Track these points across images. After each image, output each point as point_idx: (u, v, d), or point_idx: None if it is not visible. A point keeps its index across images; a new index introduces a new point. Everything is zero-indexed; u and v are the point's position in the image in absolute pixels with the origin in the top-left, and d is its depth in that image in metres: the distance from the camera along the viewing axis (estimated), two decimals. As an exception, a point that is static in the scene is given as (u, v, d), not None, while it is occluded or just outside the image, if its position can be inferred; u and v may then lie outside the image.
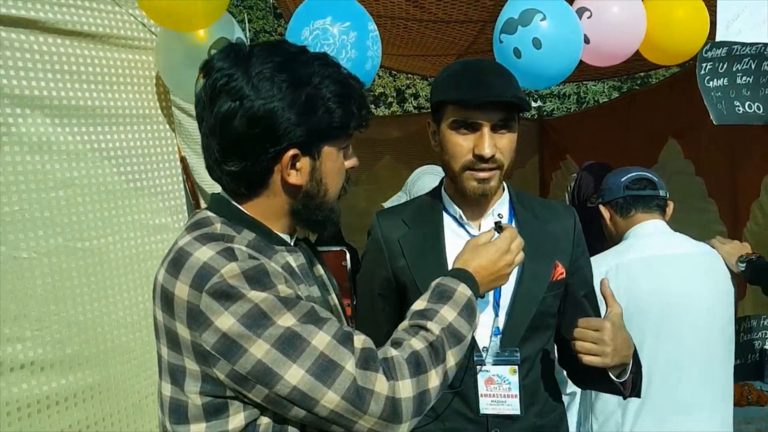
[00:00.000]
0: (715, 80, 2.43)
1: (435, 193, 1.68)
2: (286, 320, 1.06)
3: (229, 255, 1.07)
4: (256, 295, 1.05)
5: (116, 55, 2.05)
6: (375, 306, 1.67)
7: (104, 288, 2.00)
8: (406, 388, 1.11)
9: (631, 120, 5.34)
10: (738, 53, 2.41)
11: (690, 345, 1.98)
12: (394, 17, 4.18)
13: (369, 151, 6.28)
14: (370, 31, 2.15)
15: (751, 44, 2.42)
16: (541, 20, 2.18)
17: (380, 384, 1.09)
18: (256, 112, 1.10)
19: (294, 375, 1.04)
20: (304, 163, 1.16)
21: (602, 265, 2.01)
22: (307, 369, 1.05)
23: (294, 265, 1.21)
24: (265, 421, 1.12)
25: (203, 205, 3.56)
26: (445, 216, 1.62)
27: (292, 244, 1.26)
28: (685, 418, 1.99)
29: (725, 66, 2.43)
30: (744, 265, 2.14)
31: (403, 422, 1.10)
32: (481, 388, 1.54)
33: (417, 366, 1.14)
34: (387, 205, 2.86)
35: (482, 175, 1.48)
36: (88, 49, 1.98)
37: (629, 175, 2.14)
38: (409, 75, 14.67)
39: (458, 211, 1.59)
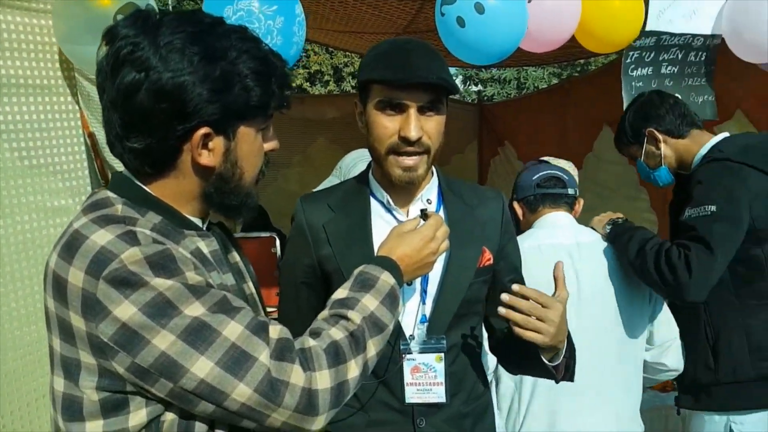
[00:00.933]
0: (640, 69, 2.48)
1: (362, 177, 1.67)
2: (194, 309, 1.01)
3: (131, 239, 1.01)
4: (161, 283, 1.00)
5: (9, 18, 1.91)
6: (299, 295, 1.65)
7: (-6, 276, 1.88)
8: (323, 379, 1.09)
9: (568, 107, 5.48)
10: (666, 43, 2.47)
11: (579, 330, 1.97)
12: (325, -5, 4.12)
13: (302, 131, 6.21)
14: (297, 16, 2.12)
15: (681, 34, 2.48)
16: None
17: (296, 375, 1.06)
18: (163, 86, 1.04)
19: (202, 368, 1.00)
20: (218, 143, 1.11)
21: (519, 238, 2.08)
22: (216, 361, 1.01)
23: (206, 251, 1.16)
24: (169, 417, 1.07)
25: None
26: (373, 201, 1.61)
27: (204, 228, 1.22)
28: (577, 399, 2.07)
29: (652, 55, 2.49)
30: (609, 227, 2.26)
31: (319, 414, 1.09)
32: (407, 377, 1.54)
33: (336, 356, 1.12)
34: (320, 188, 2.81)
35: (408, 162, 1.47)
36: (-22, 12, 1.85)
37: (540, 174, 2.24)
38: (347, 53, 14.57)
39: (386, 197, 1.58)
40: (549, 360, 1.48)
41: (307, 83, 16.91)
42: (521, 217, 2.29)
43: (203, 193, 1.16)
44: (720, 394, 2.25)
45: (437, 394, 1.54)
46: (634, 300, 2.21)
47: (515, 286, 1.40)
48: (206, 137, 1.09)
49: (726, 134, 2.34)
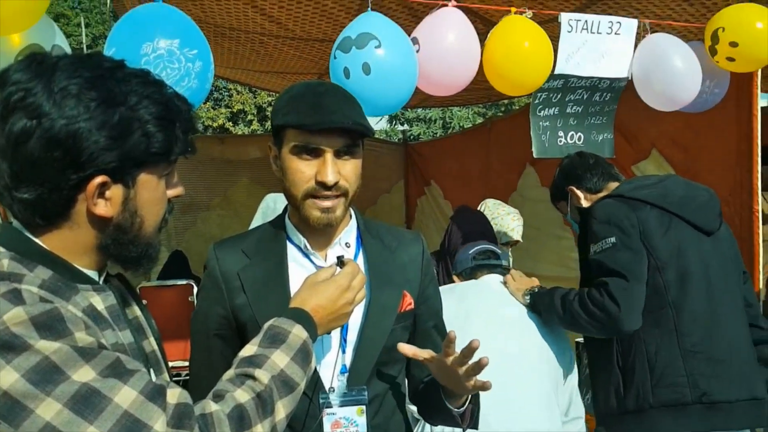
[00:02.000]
0: (546, 110, 2.67)
1: (278, 221, 1.64)
2: (84, 374, 0.96)
3: (16, 298, 0.96)
4: (47, 346, 0.94)
5: None
6: (211, 348, 1.59)
7: None
8: None
9: (492, 147, 5.65)
10: (573, 85, 2.67)
11: (499, 351, 2.20)
12: (248, 31, 4.20)
13: (223, 173, 6.19)
14: (211, 63, 2.19)
15: (588, 77, 2.69)
16: (376, 47, 2.31)
17: None
18: (56, 133, 1.00)
19: None
20: (116, 192, 1.08)
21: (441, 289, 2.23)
22: (107, 430, 0.95)
23: (101, 306, 1.11)
24: None
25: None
26: (289, 246, 1.58)
27: (100, 281, 1.16)
28: None
29: (559, 96, 2.69)
30: (528, 297, 2.42)
31: None
32: None
33: (240, 421, 1.08)
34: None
35: (326, 204, 1.46)
36: None
37: (477, 248, 2.49)
38: (270, 92, 14.66)
39: (303, 241, 1.55)
40: (456, 407, 1.53)
41: (230, 123, 16.88)
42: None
43: (99, 244, 1.11)
44: (627, 422, 2.33)
45: None
46: (556, 351, 2.36)
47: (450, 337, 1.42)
48: (103, 186, 1.05)
49: (627, 180, 2.59)
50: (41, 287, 1.01)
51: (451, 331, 1.43)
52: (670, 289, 2.31)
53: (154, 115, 1.08)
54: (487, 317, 2.33)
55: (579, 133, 2.72)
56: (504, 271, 2.48)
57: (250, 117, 16.94)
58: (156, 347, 1.28)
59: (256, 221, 2.99)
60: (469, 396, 1.54)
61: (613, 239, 2.28)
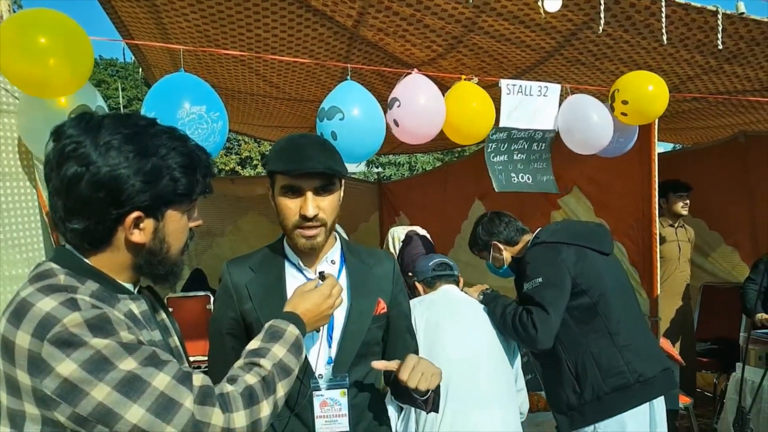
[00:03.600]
0: (498, 156, 2.68)
1: (278, 244, 1.67)
2: (128, 364, 1.00)
3: (72, 305, 0.99)
4: (99, 342, 0.98)
5: (-24, 117, 1.87)
6: (224, 345, 1.61)
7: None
8: (240, 419, 1.09)
9: (448, 185, 5.71)
10: (515, 136, 2.69)
11: (465, 349, 2.30)
12: (253, 94, 4.19)
13: (234, 206, 6.22)
14: (227, 122, 2.23)
15: (525, 130, 2.70)
16: (340, 119, 2.37)
17: (216, 417, 1.05)
18: (101, 177, 1.03)
19: (134, 414, 0.99)
20: (148, 223, 1.11)
21: (412, 302, 2.25)
22: (147, 408, 0.99)
23: (136, 312, 1.15)
24: None
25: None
26: (286, 263, 1.62)
27: (135, 292, 1.20)
28: (479, 411, 2.20)
29: (506, 146, 2.70)
30: (481, 296, 2.53)
31: None
32: (317, 410, 1.54)
33: (250, 398, 1.12)
34: None
35: (309, 233, 1.50)
36: (-50, 110, 1.79)
37: (434, 261, 2.52)
38: (271, 142, 14.60)
39: (297, 260, 1.59)
40: (420, 396, 1.52)
41: (239, 166, 16.82)
42: (422, 293, 2.53)
43: (134, 264, 1.14)
44: (588, 410, 2.36)
45: (342, 424, 1.53)
46: (503, 343, 2.41)
47: (401, 373, 1.46)
48: (138, 219, 1.09)
49: (540, 228, 2.65)
50: (91, 296, 1.03)
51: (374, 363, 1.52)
52: (598, 303, 2.40)
53: (180, 164, 1.11)
54: (454, 322, 2.34)
55: (527, 175, 2.75)
56: (456, 279, 2.51)
57: (255, 162, 16.93)
58: (179, 344, 1.31)
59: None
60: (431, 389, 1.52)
61: (540, 279, 2.39)
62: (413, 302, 2.33)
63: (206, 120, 2.08)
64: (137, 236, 1.10)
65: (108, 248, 1.11)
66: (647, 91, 2.74)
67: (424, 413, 2.18)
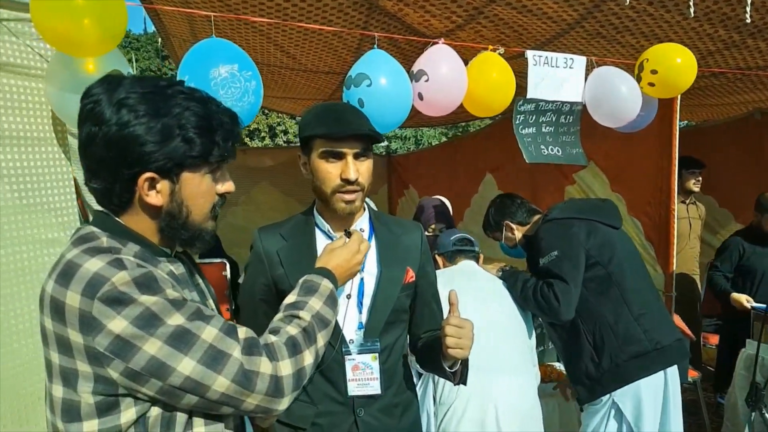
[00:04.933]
0: (527, 128, 2.66)
1: (308, 212, 1.68)
2: (176, 319, 1.01)
3: (119, 265, 1.00)
4: (147, 299, 0.99)
5: (12, 81, 1.87)
6: (257, 310, 1.63)
7: (-5, 298, 1.79)
8: (286, 367, 1.10)
9: (458, 159, 5.67)
10: (543, 108, 2.66)
11: (483, 322, 2.27)
12: (269, 65, 4.14)
13: (247, 177, 6.25)
14: (261, 82, 2.18)
15: (552, 101, 2.68)
16: (368, 86, 2.33)
17: (264, 365, 1.07)
18: (112, 137, 1.02)
19: (186, 366, 1.00)
20: (164, 185, 1.09)
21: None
22: (198, 359, 1.01)
23: (176, 273, 1.15)
24: (155, 412, 1.05)
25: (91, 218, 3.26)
26: (317, 230, 1.63)
27: (172, 255, 1.19)
28: (499, 376, 2.24)
29: (534, 118, 2.68)
30: (500, 273, 2.57)
31: (285, 396, 1.10)
32: (349, 374, 1.56)
33: (294, 347, 1.14)
34: None
35: (348, 197, 1.50)
36: (-16, 75, 1.79)
37: (456, 236, 2.55)
38: (279, 113, 14.50)
39: (327, 226, 1.61)
40: (449, 367, 1.54)
41: (247, 138, 16.75)
42: (441, 266, 2.56)
43: (158, 227, 1.13)
44: (606, 379, 2.40)
45: (374, 387, 1.56)
46: (522, 314, 2.45)
47: (451, 319, 1.45)
48: (152, 180, 1.07)
49: (549, 207, 2.68)
50: (135, 257, 1.04)
51: (452, 291, 1.49)
52: (612, 273, 2.43)
53: (194, 125, 1.08)
54: (475, 293, 2.36)
55: (557, 147, 2.74)
56: (477, 254, 2.53)
57: (263, 134, 16.82)
58: (213, 307, 1.31)
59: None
60: (461, 360, 1.54)
61: (556, 252, 2.42)
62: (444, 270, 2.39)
63: (239, 79, 2.05)
64: (153, 198, 1.08)
65: (132, 210, 1.10)
66: (676, 63, 2.70)
67: (442, 380, 2.23)
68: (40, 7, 1.68)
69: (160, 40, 3.85)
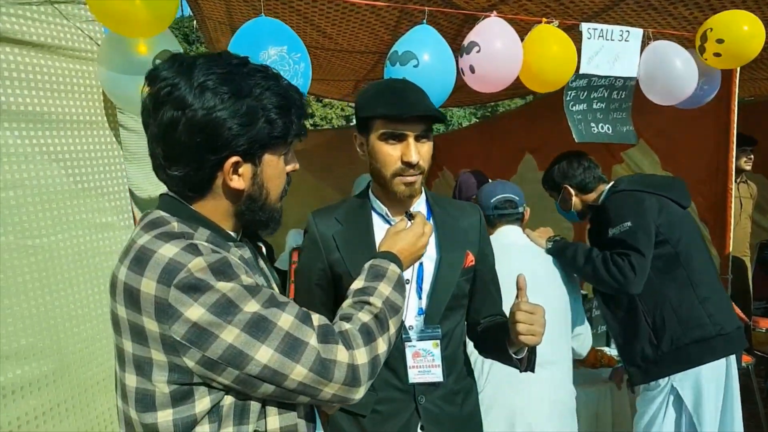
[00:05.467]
0: (577, 105, 2.57)
1: (363, 195, 1.64)
2: (252, 306, 0.98)
3: (194, 250, 0.97)
4: (223, 286, 0.96)
5: (64, 64, 1.84)
6: (312, 295, 1.60)
7: (55, 283, 1.78)
8: (361, 355, 1.07)
9: (494, 139, 5.57)
10: (595, 84, 2.56)
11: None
12: (306, 46, 4.09)
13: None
14: (309, 64, 2.12)
15: (605, 77, 2.57)
16: (414, 66, 2.24)
17: (341, 354, 1.04)
18: (198, 121, 0.99)
19: (264, 354, 0.97)
20: (246, 169, 1.07)
21: None
22: (275, 348, 0.98)
23: (245, 257, 1.13)
24: (228, 401, 1.03)
25: (134, 207, 3.27)
26: (374, 214, 1.59)
27: (238, 240, 1.16)
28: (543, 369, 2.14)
29: (585, 94, 2.58)
30: (551, 243, 2.41)
31: (361, 385, 1.07)
32: (409, 361, 1.52)
33: (368, 335, 1.10)
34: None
35: (409, 179, 1.46)
36: (38, 58, 1.76)
37: (497, 197, 2.35)
38: (314, 96, 14.43)
39: (384, 210, 1.56)
40: (514, 353, 1.49)
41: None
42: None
43: (236, 211, 1.11)
44: (665, 362, 2.32)
45: (435, 375, 1.53)
46: (567, 288, 2.32)
47: (521, 305, 1.39)
48: (236, 164, 1.05)
49: (617, 178, 2.57)
50: (207, 242, 1.02)
51: (521, 275, 1.44)
52: (680, 253, 2.33)
53: (275, 105, 1.06)
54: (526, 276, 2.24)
55: (607, 125, 2.64)
56: (521, 215, 2.36)
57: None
58: (276, 292, 1.26)
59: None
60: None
61: (629, 223, 2.29)
62: None
63: (288, 61, 2.01)
64: (236, 182, 1.06)
65: (209, 195, 1.08)
66: (743, 30, 2.54)
67: (479, 363, 2.16)
68: None
69: (194, 23, 3.81)
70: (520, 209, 2.36)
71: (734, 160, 3.08)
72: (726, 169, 3.07)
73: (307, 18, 3.48)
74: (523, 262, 2.24)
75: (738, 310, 3.22)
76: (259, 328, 0.98)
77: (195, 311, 0.94)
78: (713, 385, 2.29)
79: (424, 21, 2.38)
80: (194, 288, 0.94)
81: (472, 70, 2.33)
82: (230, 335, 0.96)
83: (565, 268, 2.35)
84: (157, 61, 1.84)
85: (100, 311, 1.90)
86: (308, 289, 1.60)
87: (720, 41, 2.59)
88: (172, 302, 0.94)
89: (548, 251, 2.39)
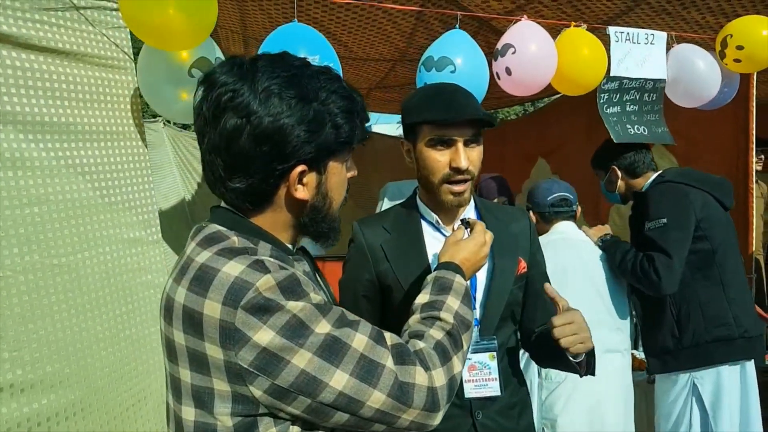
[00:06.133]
0: (611, 107, 2.49)
1: (410, 202, 1.55)
2: (323, 327, 0.87)
3: (261, 267, 0.87)
4: (294, 305, 0.86)
5: (90, 73, 1.73)
6: (359, 307, 1.50)
7: (81, 303, 1.65)
8: (439, 377, 0.96)
9: (507, 144, 5.50)
10: (626, 86, 2.48)
11: (591, 295, 2.28)
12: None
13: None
14: (341, 73, 2.01)
15: (636, 79, 2.49)
16: (451, 72, 2.15)
17: (420, 376, 0.93)
18: (264, 129, 0.89)
19: (339, 380, 0.86)
20: (311, 178, 0.97)
21: None
22: (351, 372, 0.87)
23: (306, 272, 1.03)
24: (294, 430, 0.91)
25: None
26: (423, 222, 1.50)
27: (294, 252, 1.06)
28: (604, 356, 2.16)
29: (618, 96, 2.50)
30: (601, 242, 2.42)
31: (440, 410, 0.95)
32: (465, 374, 1.43)
33: (444, 354, 0.99)
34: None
35: (458, 188, 1.38)
36: (62, 66, 1.65)
37: (554, 195, 2.35)
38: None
39: (434, 218, 1.48)
40: (573, 357, 1.38)
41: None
42: (535, 223, 2.35)
43: (298, 222, 1.01)
44: (684, 356, 2.29)
45: (493, 389, 1.43)
46: (616, 281, 2.36)
47: (554, 320, 1.31)
48: (302, 174, 0.95)
49: (666, 168, 2.52)
50: (272, 257, 0.92)
51: (546, 285, 1.39)
52: (717, 252, 2.29)
53: (342, 109, 0.97)
54: (581, 266, 2.29)
55: (642, 126, 2.58)
56: (573, 213, 2.38)
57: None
58: (344, 309, 1.15)
59: (385, 204, 2.92)
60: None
61: (664, 220, 2.24)
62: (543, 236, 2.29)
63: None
64: (301, 192, 0.96)
65: (269, 207, 0.97)
66: (762, 36, 2.51)
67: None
68: (130, 5, 1.55)
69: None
70: (574, 207, 2.38)
71: (754, 159, 3.01)
72: (746, 169, 3.02)
73: (323, 26, 3.38)
74: (577, 255, 2.29)
75: (760, 310, 3.15)
76: (332, 350, 0.87)
77: (265, 335, 0.83)
78: (734, 385, 2.27)
79: (457, 26, 2.29)
80: (264, 309, 0.84)
81: (508, 72, 2.24)
82: (302, 360, 0.85)
83: (610, 266, 2.36)
84: (194, 70, 1.73)
85: (128, 332, 1.77)
86: (355, 302, 1.50)
87: (740, 47, 2.56)
88: (239, 326, 0.83)
89: (599, 247, 2.41)
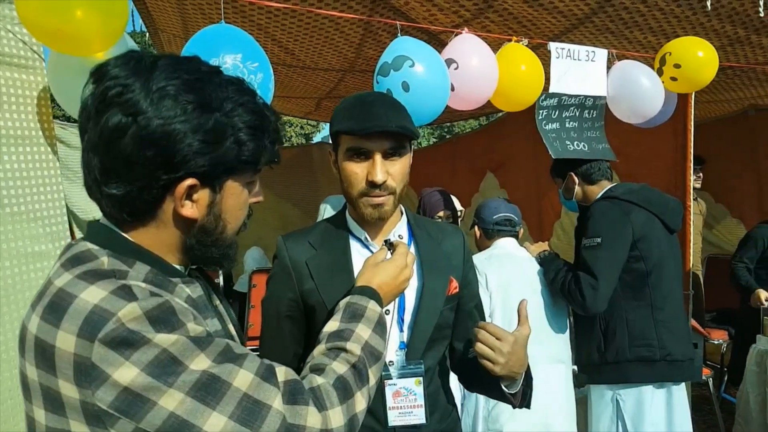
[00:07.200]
0: (550, 124, 2.46)
1: (339, 217, 1.44)
2: (200, 363, 0.76)
3: (127, 294, 0.75)
4: (164, 338, 0.74)
5: (-8, 72, 1.56)
6: (281, 328, 1.39)
7: (-25, 323, 1.48)
8: (336, 417, 0.86)
9: (456, 158, 5.50)
10: (565, 103, 2.45)
11: (535, 306, 2.30)
12: (266, 62, 3.87)
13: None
14: (271, 74, 1.86)
15: (575, 96, 2.47)
16: (410, 66, 2.04)
17: (312, 418, 0.83)
18: (151, 132, 0.78)
19: (215, 424, 0.76)
20: (203, 195, 0.86)
21: (479, 257, 2.30)
22: (230, 415, 0.77)
23: (194, 297, 0.90)
24: None
25: (76, 230, 2.92)
26: (351, 239, 1.39)
27: (186, 274, 0.94)
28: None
29: (557, 113, 2.47)
30: (539, 258, 2.44)
31: None
32: (389, 401, 1.32)
33: (345, 391, 0.90)
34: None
35: (376, 200, 1.27)
36: (-44, 63, 1.48)
37: (500, 215, 2.38)
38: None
39: (363, 234, 1.38)
40: (506, 386, 1.31)
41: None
42: (478, 238, 2.47)
43: (184, 244, 0.89)
44: (606, 371, 2.33)
45: (418, 416, 1.33)
46: (556, 295, 2.37)
47: (481, 324, 1.26)
48: (191, 189, 0.84)
49: (617, 183, 2.53)
50: (146, 282, 0.81)
51: (523, 301, 1.33)
52: (651, 274, 2.29)
53: (247, 124, 0.86)
54: (524, 280, 2.32)
55: (582, 143, 2.56)
56: (516, 232, 2.43)
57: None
58: (234, 332, 1.04)
59: (322, 217, 2.79)
60: (523, 379, 1.32)
61: (599, 239, 2.24)
62: (480, 258, 2.31)
63: (241, 71, 1.73)
64: (189, 210, 0.85)
65: (152, 222, 0.86)
66: (698, 56, 2.56)
67: None
68: (27, 6, 1.38)
69: (146, 37, 3.53)
70: (517, 228, 2.43)
71: (691, 178, 3.04)
72: (684, 187, 3.03)
73: (269, 33, 3.26)
74: (520, 269, 2.33)
75: (697, 325, 3.18)
76: (209, 390, 0.76)
77: (127, 372, 0.72)
78: (660, 407, 2.28)
79: (399, 34, 2.21)
80: (126, 343, 0.72)
81: (451, 87, 2.16)
82: (172, 401, 0.74)
83: (546, 281, 2.37)
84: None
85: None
86: (277, 322, 1.38)
87: (677, 66, 2.59)
88: (96, 362, 0.71)
89: (537, 262, 2.42)
